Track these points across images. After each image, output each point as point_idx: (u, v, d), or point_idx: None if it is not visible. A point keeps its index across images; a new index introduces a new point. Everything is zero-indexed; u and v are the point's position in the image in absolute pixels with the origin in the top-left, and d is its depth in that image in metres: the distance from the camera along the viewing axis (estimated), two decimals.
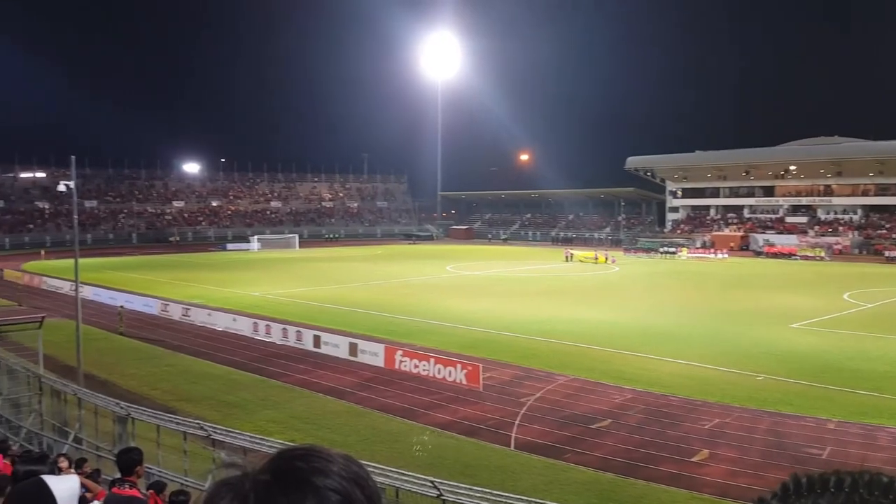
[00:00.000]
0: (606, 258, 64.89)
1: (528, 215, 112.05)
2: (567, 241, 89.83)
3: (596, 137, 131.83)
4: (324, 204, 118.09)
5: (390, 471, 11.52)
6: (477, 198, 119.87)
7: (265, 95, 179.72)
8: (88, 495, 7.95)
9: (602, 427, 17.71)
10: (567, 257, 66.90)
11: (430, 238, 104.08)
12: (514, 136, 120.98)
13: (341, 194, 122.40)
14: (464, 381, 21.58)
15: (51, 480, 2.33)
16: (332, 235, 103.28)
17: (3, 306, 36.79)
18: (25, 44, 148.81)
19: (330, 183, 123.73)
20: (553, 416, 18.64)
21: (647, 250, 76.60)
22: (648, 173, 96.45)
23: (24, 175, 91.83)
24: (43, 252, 69.84)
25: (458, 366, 22.08)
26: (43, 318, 21.00)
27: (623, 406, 19.38)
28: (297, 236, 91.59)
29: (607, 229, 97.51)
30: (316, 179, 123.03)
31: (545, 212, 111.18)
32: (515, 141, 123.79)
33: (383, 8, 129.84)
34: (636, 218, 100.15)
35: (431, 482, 11.07)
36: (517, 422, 18.18)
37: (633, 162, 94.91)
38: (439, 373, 22.43)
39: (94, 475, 9.49)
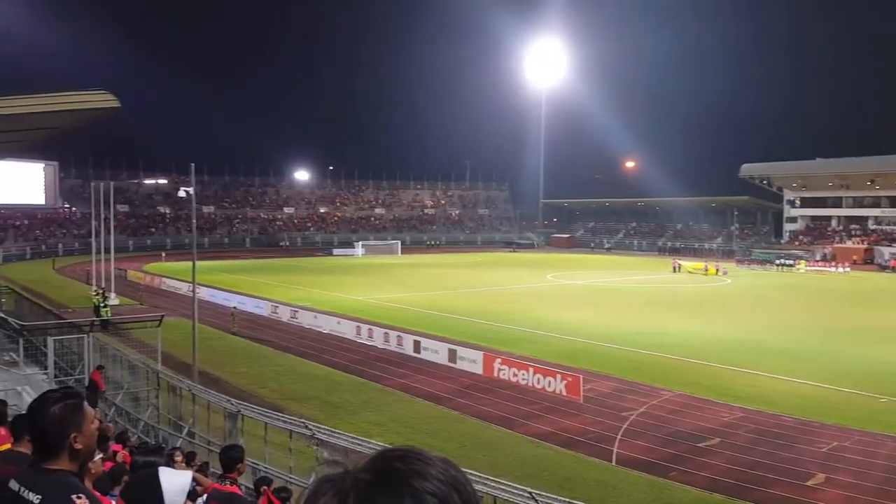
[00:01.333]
0: (717, 270, 62.37)
1: (634, 224, 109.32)
2: (675, 252, 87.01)
3: (707, 143, 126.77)
4: (426, 211, 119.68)
5: (487, 478, 11.43)
6: (580, 206, 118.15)
7: (372, 105, 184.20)
8: (199, 489, 8.30)
9: (709, 446, 16.95)
10: (675, 268, 64.74)
11: (530, 246, 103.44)
12: (620, 142, 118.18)
13: (443, 202, 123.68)
14: (563, 392, 21.22)
15: (164, 474, 2.41)
16: (433, 242, 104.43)
17: (126, 305, 39.27)
18: (153, 60, 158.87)
19: (432, 190, 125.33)
20: (657, 431, 18.02)
21: (762, 262, 73.09)
22: (765, 181, 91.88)
23: (147, 181, 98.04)
24: (163, 254, 74.15)
25: (558, 376, 21.74)
26: (162, 316, 22.23)
27: (732, 424, 18.49)
28: (399, 242, 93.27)
29: (719, 239, 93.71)
30: (419, 187, 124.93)
31: (652, 220, 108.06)
32: (621, 147, 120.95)
33: (489, 17, 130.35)
34: (750, 228, 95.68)
35: (529, 493, 10.90)
36: (619, 436, 17.68)
37: (748, 169, 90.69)
38: (538, 383, 22.16)
39: (204, 468, 9.90)
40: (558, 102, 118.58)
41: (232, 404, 16.42)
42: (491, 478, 11.65)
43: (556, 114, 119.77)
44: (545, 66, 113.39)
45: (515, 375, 23.01)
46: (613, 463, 16.05)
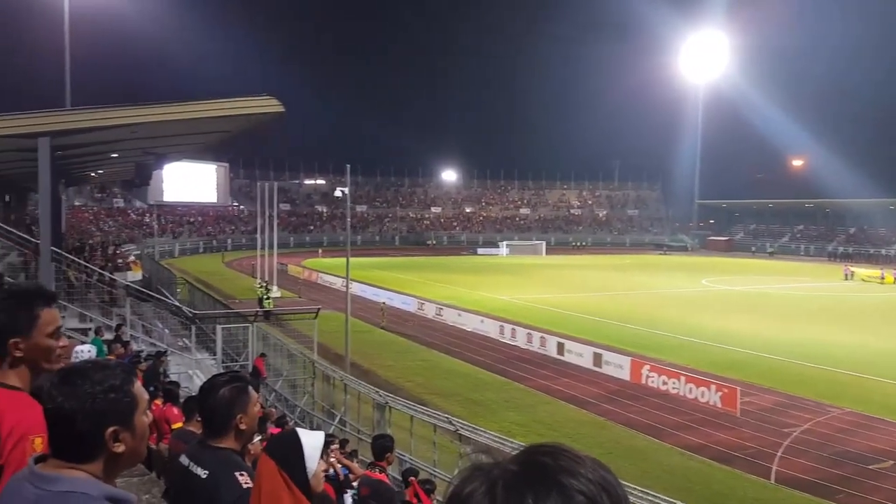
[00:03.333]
0: None
1: (801, 227, 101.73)
2: (847, 258, 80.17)
3: (889, 140, 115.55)
4: (572, 211, 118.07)
5: (635, 489, 11.07)
6: (739, 207, 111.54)
7: (519, 104, 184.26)
8: (351, 476, 8.66)
9: (882, 468, 15.48)
10: (846, 275, 59.66)
11: (683, 249, 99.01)
12: (786, 139, 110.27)
13: (590, 202, 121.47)
14: (718, 404, 20.16)
15: (302, 433, 2.54)
16: (578, 243, 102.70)
17: (286, 297, 41.70)
18: (313, 69, 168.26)
19: (579, 190, 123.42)
20: (823, 450, 16.68)
21: None
22: None
23: (307, 182, 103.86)
24: (320, 251, 78.02)
25: (713, 387, 20.68)
26: (318, 309, 23.41)
27: None
28: (543, 243, 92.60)
29: None
30: (565, 187, 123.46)
31: (821, 223, 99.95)
32: (787, 145, 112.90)
33: (642, 11, 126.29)
34: None
35: None
36: (779, 453, 16.54)
37: None
38: (690, 392, 21.19)
39: (352, 455, 10.32)
40: (717, 97, 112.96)
41: (380, 396, 17.00)
42: (639, 488, 11.26)
43: (714, 109, 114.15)
44: (703, 59, 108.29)
45: (665, 384, 22.14)
46: (772, 481, 15.04)
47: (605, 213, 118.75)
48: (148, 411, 1.83)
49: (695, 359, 25.84)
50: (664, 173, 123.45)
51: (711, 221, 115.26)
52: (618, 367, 24.17)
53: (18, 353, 2.39)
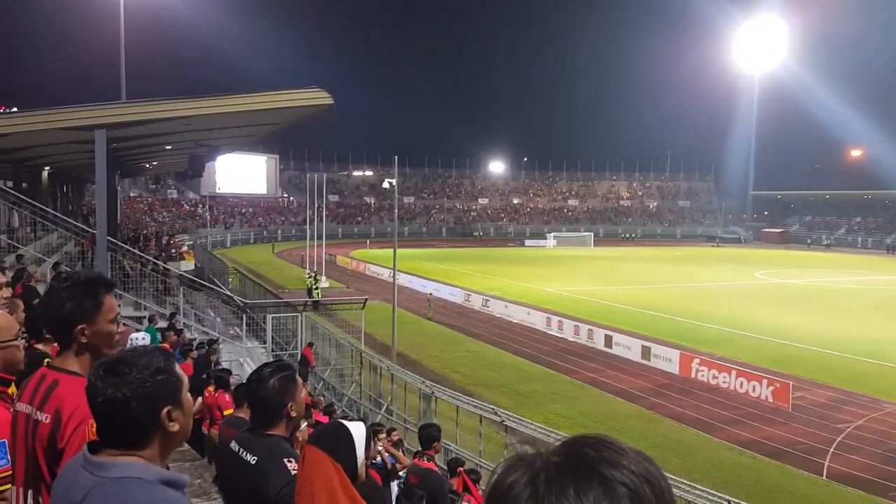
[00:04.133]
0: None
1: (859, 219, 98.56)
2: None
3: None
4: (621, 203, 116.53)
5: (681, 482, 10.93)
6: (794, 198, 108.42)
7: (568, 94, 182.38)
8: (398, 465, 8.76)
9: None
10: None
11: (737, 241, 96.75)
12: (845, 128, 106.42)
13: (640, 193, 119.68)
14: (770, 399, 19.74)
15: (349, 423, 2.59)
16: (628, 235, 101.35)
17: (334, 288, 42.19)
18: (360, 58, 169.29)
19: (629, 181, 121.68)
20: (878, 447, 16.22)
21: None
22: None
23: (356, 173, 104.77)
24: (368, 242, 78.71)
25: (764, 381, 20.25)
26: (366, 300, 23.63)
27: None
28: (592, 234, 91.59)
29: None
30: (615, 178, 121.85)
31: (879, 215, 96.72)
32: (846, 134, 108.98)
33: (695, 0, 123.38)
34: None
35: (728, 500, 10.29)
36: (832, 449, 16.13)
37: None
38: (741, 387, 20.79)
39: (399, 444, 10.42)
40: (772, 86, 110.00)
41: (427, 386, 17.11)
42: (685, 481, 11.12)
43: (769, 98, 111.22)
44: (759, 47, 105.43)
45: (715, 378, 21.76)
46: (824, 477, 14.70)
47: (655, 204, 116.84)
48: (187, 387, 1.88)
49: (747, 353, 25.31)
50: (717, 164, 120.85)
51: (766, 213, 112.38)
52: (667, 360, 23.83)
53: (84, 340, 2.48)
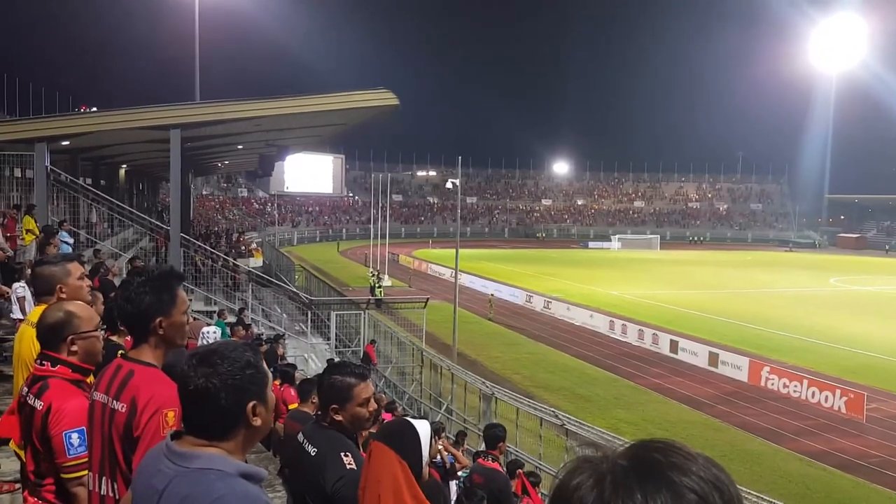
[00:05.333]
0: None
1: None
2: None
3: None
4: (689, 205, 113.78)
5: (749, 492, 10.61)
6: (872, 202, 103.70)
7: (634, 93, 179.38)
8: (457, 465, 8.78)
9: None
10: None
11: (811, 246, 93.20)
12: None
13: (709, 195, 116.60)
14: (843, 410, 19.00)
15: (413, 421, 2.61)
16: (696, 238, 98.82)
17: (397, 287, 42.57)
18: (424, 59, 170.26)
19: (698, 183, 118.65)
20: None
21: None
22: None
23: (419, 173, 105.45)
24: (430, 241, 79.09)
25: (838, 391, 19.50)
26: (427, 299, 23.77)
27: None
28: (658, 237, 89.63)
29: None
30: (683, 179, 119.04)
31: None
32: None
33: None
34: None
35: None
36: None
37: None
38: (813, 396, 20.07)
39: (459, 442, 10.44)
40: (851, 86, 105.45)
41: (487, 387, 17.10)
42: (754, 492, 10.79)
43: (847, 99, 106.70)
44: (836, 46, 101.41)
45: (786, 386, 21.07)
46: None
47: (725, 206, 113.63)
48: (271, 383, 1.92)
49: (819, 362, 24.39)
50: (791, 166, 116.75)
51: (842, 217, 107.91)
52: (735, 367, 23.19)
53: (161, 332, 2.56)
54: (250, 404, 1.77)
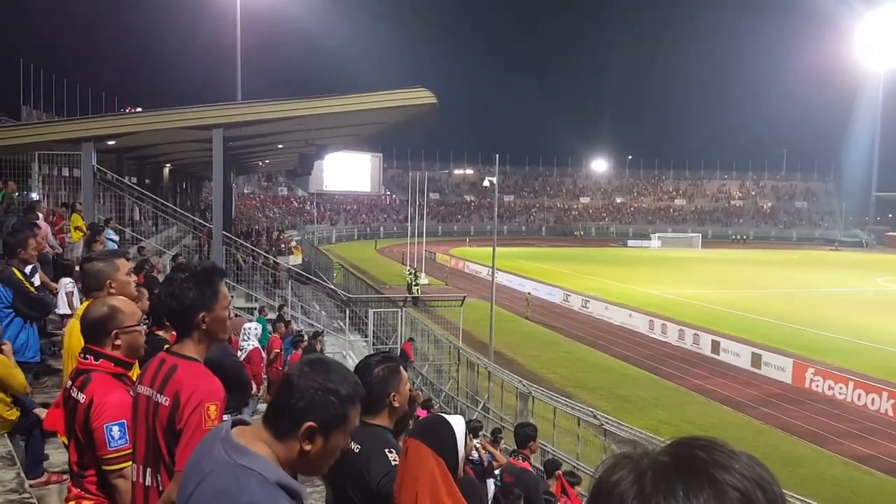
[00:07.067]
0: None
1: None
2: None
3: None
4: (732, 203, 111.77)
5: (792, 496, 10.40)
6: None
7: (675, 89, 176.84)
8: (495, 464, 8.78)
9: None
10: None
11: (858, 245, 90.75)
12: None
13: (753, 193, 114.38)
14: (889, 413, 18.54)
15: (448, 417, 2.61)
16: (739, 237, 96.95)
17: (434, 285, 42.67)
18: (461, 58, 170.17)
19: (741, 181, 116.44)
20: None
21: None
22: None
23: (456, 171, 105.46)
24: (467, 240, 79.04)
25: (885, 394, 19.01)
26: (464, 297, 23.79)
27: None
28: (699, 236, 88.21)
29: None
30: (725, 177, 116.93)
31: None
32: None
33: None
34: None
35: None
36: None
37: None
38: (859, 399, 19.60)
39: (497, 440, 10.44)
40: None
41: (524, 385, 17.05)
42: (797, 496, 10.58)
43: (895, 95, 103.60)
44: (884, 41, 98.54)
45: (831, 388, 20.60)
46: None
47: (769, 205, 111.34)
48: (348, 435, 1.89)
49: (865, 363, 23.76)
50: (837, 163, 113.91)
51: (890, 216, 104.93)
52: (779, 368, 22.74)
53: (204, 327, 2.62)
54: (306, 424, 1.76)
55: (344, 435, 1.85)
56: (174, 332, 2.91)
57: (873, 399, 19.26)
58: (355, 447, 2.81)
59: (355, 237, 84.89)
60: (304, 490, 1.85)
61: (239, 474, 1.69)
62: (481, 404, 18.70)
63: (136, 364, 3.14)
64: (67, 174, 18.62)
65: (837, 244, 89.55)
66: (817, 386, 21.10)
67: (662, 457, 0.86)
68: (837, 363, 23.49)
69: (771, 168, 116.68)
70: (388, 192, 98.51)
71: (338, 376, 1.82)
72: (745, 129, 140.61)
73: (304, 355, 1.86)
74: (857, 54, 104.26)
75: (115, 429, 2.85)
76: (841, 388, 20.36)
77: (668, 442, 0.90)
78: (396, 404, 2.88)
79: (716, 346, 25.72)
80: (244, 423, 1.86)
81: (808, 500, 10.61)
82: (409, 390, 3.06)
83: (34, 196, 15.64)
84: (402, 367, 2.97)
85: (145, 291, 4.82)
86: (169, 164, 28.75)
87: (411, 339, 20.51)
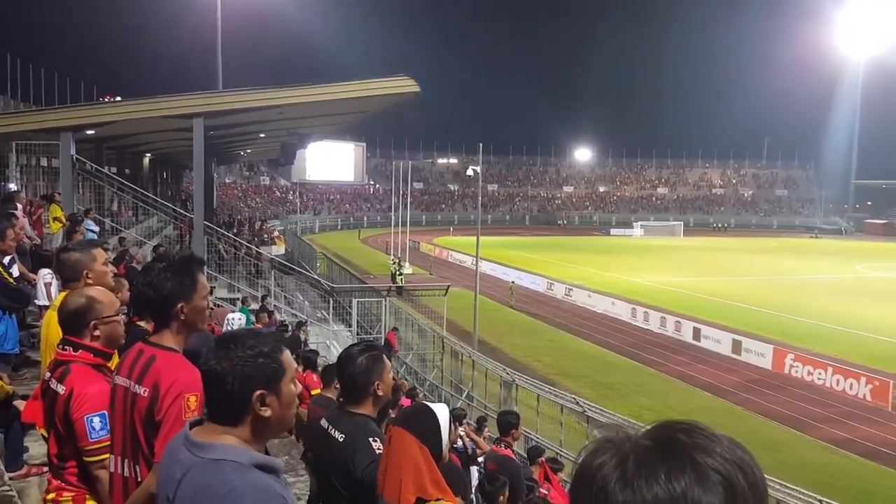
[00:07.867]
0: None
1: None
2: None
3: None
4: (714, 191, 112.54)
5: (772, 480, 10.54)
6: None
7: (657, 78, 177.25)
8: (478, 451, 8.82)
9: None
10: None
11: (837, 232, 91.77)
12: None
13: (734, 181, 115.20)
14: (868, 398, 18.81)
15: (432, 405, 2.62)
16: (720, 225, 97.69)
17: (418, 274, 42.66)
18: (444, 47, 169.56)
19: (722, 169, 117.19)
20: None
21: None
22: None
23: (440, 160, 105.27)
24: (451, 229, 79.02)
25: (863, 379, 19.30)
26: (448, 287, 23.77)
27: None
28: (681, 224, 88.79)
29: None
30: (707, 165, 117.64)
31: None
32: None
33: None
34: None
35: (819, 500, 9.89)
36: None
37: None
38: (838, 384, 19.88)
39: (481, 428, 10.48)
40: (880, 70, 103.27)
41: (507, 374, 17.12)
42: (777, 480, 10.72)
43: (875, 83, 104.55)
44: (864, 29, 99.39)
45: (810, 374, 20.88)
46: None
47: (750, 193, 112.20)
48: (296, 381, 1.91)
49: (844, 349, 24.09)
50: (817, 151, 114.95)
51: (869, 203, 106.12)
52: (759, 355, 23.00)
53: (183, 317, 2.60)
54: (257, 393, 1.77)
55: (290, 380, 1.85)
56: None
57: (851, 384, 19.54)
58: (339, 436, 2.80)
59: (339, 227, 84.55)
60: (280, 462, 1.86)
61: (212, 469, 1.69)
62: (465, 393, 18.75)
63: (116, 354, 3.11)
64: (46, 164, 18.36)
65: (817, 231, 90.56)
66: (797, 372, 21.37)
67: (644, 440, 0.87)
68: (816, 349, 23.79)
69: (752, 156, 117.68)
70: (372, 182, 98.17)
71: (250, 339, 1.82)
72: (727, 118, 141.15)
73: (213, 341, 1.85)
74: (838, 42, 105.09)
75: (96, 420, 2.82)
76: (820, 373, 20.63)
77: (650, 426, 0.90)
78: (380, 393, 2.88)
79: (697, 333, 25.96)
80: (199, 423, 1.86)
81: (788, 484, 10.76)
82: (393, 379, 3.07)
83: (12, 186, 15.40)
84: (385, 356, 2.96)
85: (125, 282, 4.78)
86: (149, 154, 28.45)
87: (395, 329, 20.51)
